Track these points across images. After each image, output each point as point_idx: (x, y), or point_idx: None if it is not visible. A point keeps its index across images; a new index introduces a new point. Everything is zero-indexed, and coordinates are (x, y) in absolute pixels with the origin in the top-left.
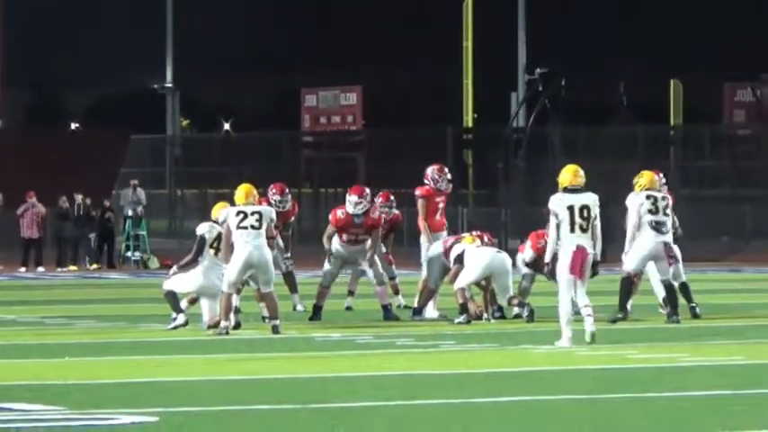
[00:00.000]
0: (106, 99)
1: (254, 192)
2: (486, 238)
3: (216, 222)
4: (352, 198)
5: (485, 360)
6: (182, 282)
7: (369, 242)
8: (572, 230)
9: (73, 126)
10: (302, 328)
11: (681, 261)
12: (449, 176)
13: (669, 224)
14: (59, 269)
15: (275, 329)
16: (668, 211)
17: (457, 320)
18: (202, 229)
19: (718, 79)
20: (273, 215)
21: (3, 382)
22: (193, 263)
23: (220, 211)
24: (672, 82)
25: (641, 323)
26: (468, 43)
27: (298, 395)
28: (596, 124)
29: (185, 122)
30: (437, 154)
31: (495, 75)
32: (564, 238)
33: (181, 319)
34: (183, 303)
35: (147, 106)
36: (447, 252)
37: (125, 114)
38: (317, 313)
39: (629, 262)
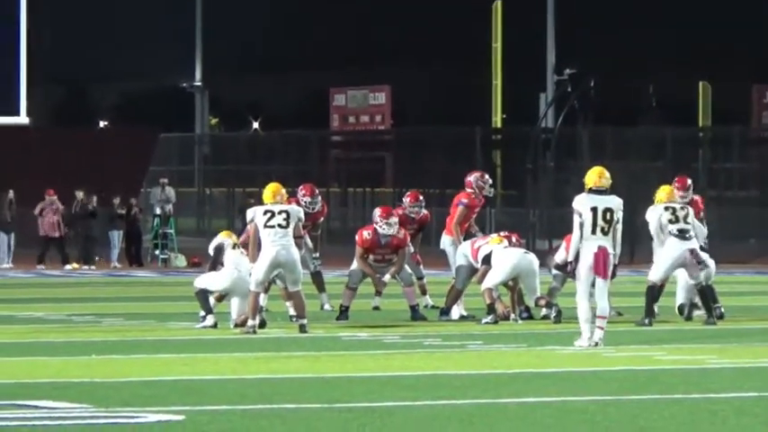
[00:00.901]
0: (135, 97)
1: (282, 191)
2: (513, 239)
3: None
4: (384, 221)
5: (511, 360)
6: (213, 280)
7: (396, 259)
8: (593, 232)
9: (101, 124)
10: (329, 328)
11: (712, 266)
12: (490, 181)
13: (692, 231)
14: (67, 267)
15: (302, 328)
16: (689, 219)
17: (484, 321)
18: (218, 240)
19: (746, 81)
20: (301, 214)
21: (29, 380)
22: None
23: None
24: (700, 84)
25: (668, 324)
26: (497, 44)
27: (324, 394)
28: (625, 125)
29: (214, 121)
30: (465, 154)
31: (525, 75)
32: (585, 239)
33: (210, 320)
34: (211, 301)
35: (176, 105)
36: (475, 253)
37: (154, 112)
38: (343, 313)
39: (655, 272)
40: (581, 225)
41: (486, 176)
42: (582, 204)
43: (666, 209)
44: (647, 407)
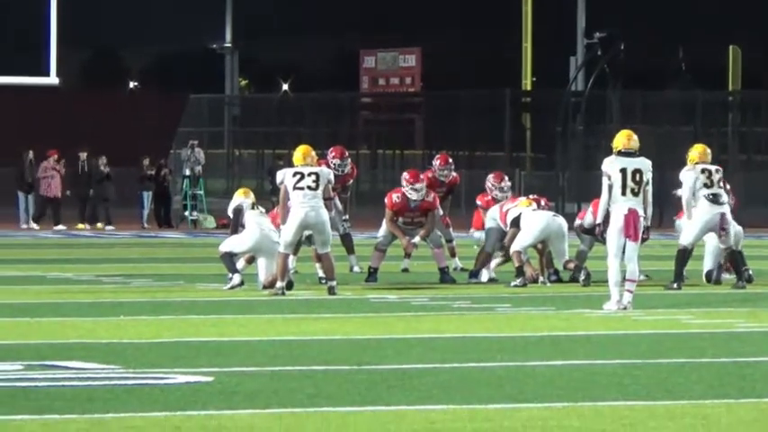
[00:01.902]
0: (166, 59)
1: (312, 153)
2: (542, 202)
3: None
4: (412, 186)
5: (540, 323)
6: (236, 242)
7: (426, 221)
8: (623, 193)
9: (132, 85)
10: (358, 290)
11: (740, 230)
12: (508, 183)
13: (725, 195)
14: (80, 226)
15: (331, 290)
16: (722, 183)
17: (513, 283)
18: (235, 202)
19: None
20: (331, 176)
21: (58, 341)
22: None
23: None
24: (730, 47)
25: (696, 288)
26: (527, 7)
27: (352, 356)
28: (655, 89)
29: (244, 83)
30: (495, 117)
31: (555, 39)
32: (615, 201)
33: (236, 279)
34: (241, 263)
35: (207, 66)
36: (504, 216)
37: (184, 74)
38: (372, 275)
39: (687, 236)
40: (610, 187)
41: (504, 178)
42: (611, 166)
43: (703, 171)
44: (675, 370)
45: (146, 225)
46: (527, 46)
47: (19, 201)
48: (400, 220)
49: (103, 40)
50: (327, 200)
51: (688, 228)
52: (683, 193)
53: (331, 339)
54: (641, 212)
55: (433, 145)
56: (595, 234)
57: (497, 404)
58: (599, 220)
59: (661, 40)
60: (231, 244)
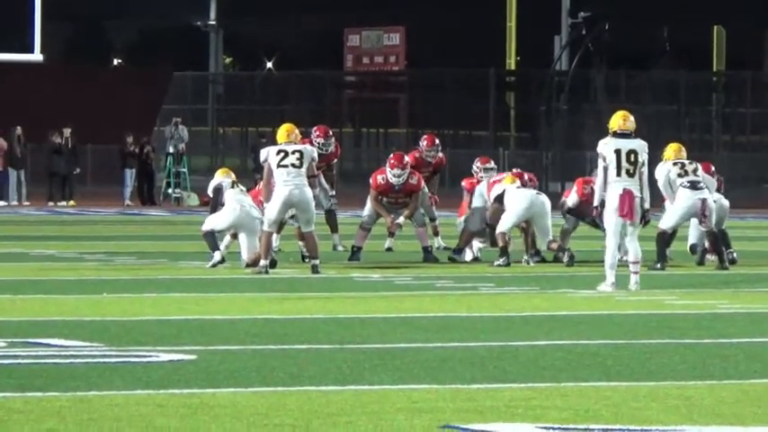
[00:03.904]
0: (150, 35)
1: (296, 131)
2: (526, 177)
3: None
4: (394, 171)
5: (524, 303)
6: (218, 219)
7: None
8: (618, 174)
9: (116, 62)
10: (341, 269)
11: (724, 208)
12: (494, 166)
13: (703, 183)
14: (50, 204)
15: (315, 269)
16: (699, 173)
17: (496, 263)
18: (215, 181)
19: (761, 26)
20: (315, 154)
21: (40, 318)
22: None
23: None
24: (715, 28)
25: (680, 269)
26: None
27: (335, 335)
28: (639, 69)
29: (228, 60)
30: (479, 96)
31: (539, 18)
32: (611, 182)
33: (217, 256)
34: (227, 239)
35: (191, 44)
36: (489, 190)
37: (168, 51)
38: (355, 254)
39: (666, 221)
40: (605, 169)
41: (490, 162)
42: (605, 147)
43: (675, 164)
44: (658, 351)
45: (129, 203)
46: (511, 25)
47: (9, 178)
48: (384, 199)
49: (88, 17)
50: (311, 177)
51: (669, 212)
52: (661, 188)
53: (314, 318)
54: (637, 193)
55: (417, 124)
56: (584, 218)
57: (480, 384)
58: (595, 203)
59: (646, 20)
60: (212, 222)
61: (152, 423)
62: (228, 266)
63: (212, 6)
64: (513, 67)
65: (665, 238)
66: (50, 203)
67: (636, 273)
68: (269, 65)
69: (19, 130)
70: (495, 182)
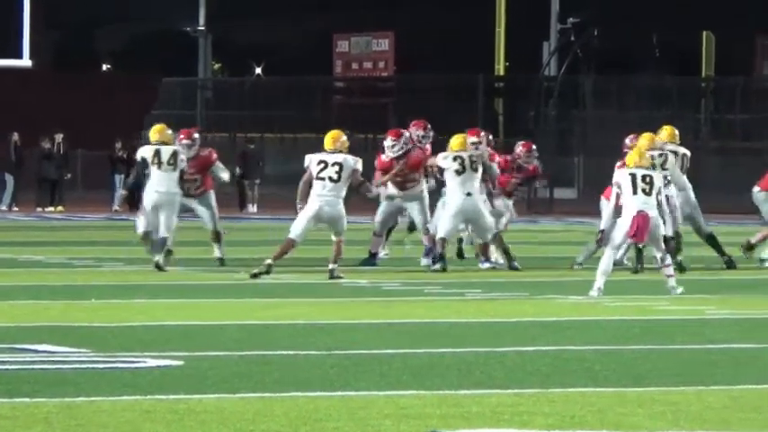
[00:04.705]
0: (139, 41)
1: (343, 138)
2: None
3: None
4: (386, 141)
5: (511, 309)
6: (142, 215)
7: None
8: (634, 192)
9: (104, 68)
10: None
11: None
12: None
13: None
14: (39, 209)
15: (331, 274)
16: (667, 167)
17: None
18: (141, 152)
19: (750, 32)
20: (358, 165)
21: (29, 324)
22: (136, 182)
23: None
24: (704, 33)
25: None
26: None
27: (323, 341)
28: (628, 74)
29: (217, 66)
30: (468, 101)
31: (529, 23)
32: (626, 203)
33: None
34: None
35: (180, 49)
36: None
37: (157, 57)
38: (370, 259)
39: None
40: (618, 196)
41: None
42: (620, 175)
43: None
44: (645, 356)
45: (117, 208)
46: (500, 30)
47: (6, 183)
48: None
49: (77, 22)
50: (360, 185)
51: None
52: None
53: (302, 324)
54: (653, 214)
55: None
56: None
57: (467, 390)
58: (603, 227)
59: (635, 25)
60: (140, 220)
61: (139, 429)
62: (216, 272)
63: (201, 12)
64: (501, 73)
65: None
66: (38, 209)
67: (670, 276)
68: (258, 70)
69: (16, 135)
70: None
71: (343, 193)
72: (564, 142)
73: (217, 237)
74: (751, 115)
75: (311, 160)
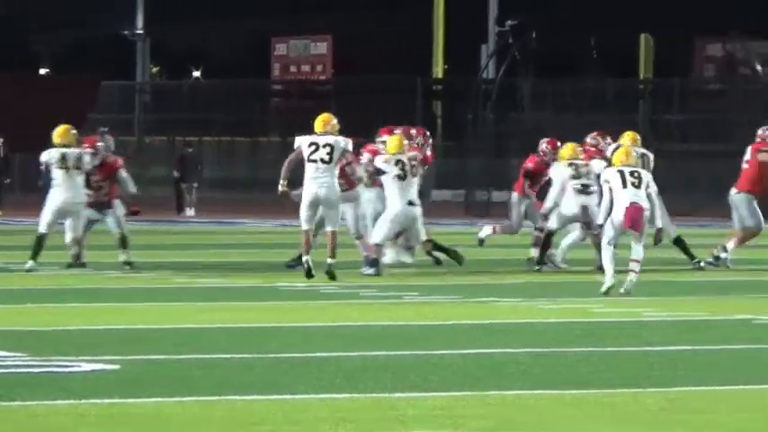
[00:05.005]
0: (77, 45)
1: (333, 121)
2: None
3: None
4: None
5: (447, 312)
6: (44, 214)
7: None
8: (624, 186)
9: (42, 71)
10: (266, 277)
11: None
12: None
13: (595, 187)
14: None
15: (329, 269)
16: (592, 175)
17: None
18: (46, 156)
19: (688, 33)
20: (349, 146)
21: None
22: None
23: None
24: (642, 36)
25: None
26: None
27: (259, 344)
28: (566, 77)
29: (155, 69)
30: (407, 104)
31: (467, 26)
32: (617, 196)
33: (31, 264)
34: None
35: (118, 53)
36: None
37: (96, 60)
38: (374, 265)
39: (552, 221)
40: (610, 189)
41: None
42: (608, 172)
43: (570, 165)
44: (583, 359)
45: None
46: (438, 33)
47: None
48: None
49: (15, 25)
50: (347, 165)
51: (556, 213)
52: (553, 187)
53: (238, 327)
54: (645, 205)
55: (345, 132)
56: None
57: (402, 393)
58: (600, 221)
59: (573, 28)
60: (42, 222)
61: None
62: (151, 276)
63: (139, 15)
64: (440, 76)
65: (549, 240)
66: None
67: (634, 272)
68: (196, 74)
69: None
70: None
71: (336, 173)
72: (502, 145)
73: (123, 242)
74: (689, 116)
75: (302, 142)
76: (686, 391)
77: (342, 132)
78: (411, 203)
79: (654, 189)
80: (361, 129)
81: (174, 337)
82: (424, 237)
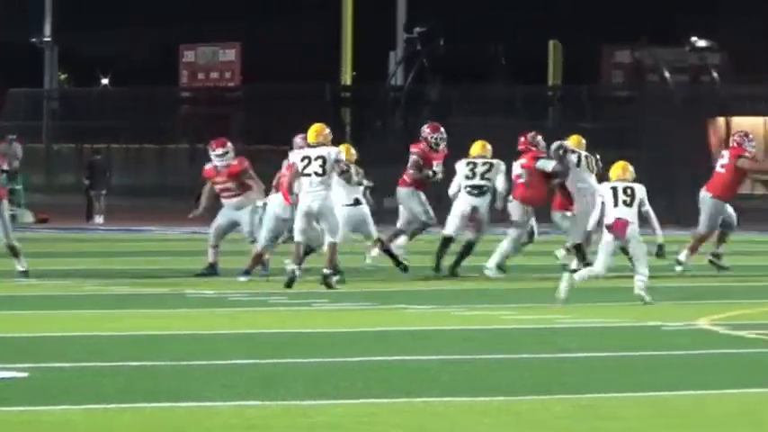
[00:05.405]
0: None
1: (326, 131)
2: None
3: None
4: (218, 150)
5: (358, 319)
6: None
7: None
8: (615, 204)
9: None
10: (175, 285)
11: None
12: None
13: (487, 188)
14: None
15: (324, 279)
16: (488, 175)
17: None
18: None
19: (597, 40)
20: (341, 156)
21: None
22: None
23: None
24: (551, 42)
25: (517, 283)
26: (347, 0)
27: (167, 352)
28: (475, 83)
29: (63, 77)
30: (316, 112)
31: (376, 33)
32: (607, 214)
33: None
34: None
35: (26, 60)
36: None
37: (2, 67)
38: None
39: (448, 225)
40: (602, 204)
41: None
42: (603, 189)
43: (468, 164)
44: (493, 365)
45: None
46: (347, 40)
47: None
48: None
49: None
50: (343, 174)
51: (450, 216)
52: (453, 184)
53: (145, 335)
54: (632, 220)
55: (254, 139)
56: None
57: (313, 400)
58: (589, 228)
59: (482, 35)
60: None
61: None
62: (60, 284)
63: (47, 23)
64: (348, 83)
65: (447, 245)
66: None
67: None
68: (104, 81)
69: None
70: None
71: (332, 185)
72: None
73: (13, 250)
74: (598, 123)
75: (295, 157)
76: (596, 397)
77: (251, 138)
78: (357, 202)
79: (648, 208)
80: (270, 136)
81: (82, 344)
82: (375, 235)
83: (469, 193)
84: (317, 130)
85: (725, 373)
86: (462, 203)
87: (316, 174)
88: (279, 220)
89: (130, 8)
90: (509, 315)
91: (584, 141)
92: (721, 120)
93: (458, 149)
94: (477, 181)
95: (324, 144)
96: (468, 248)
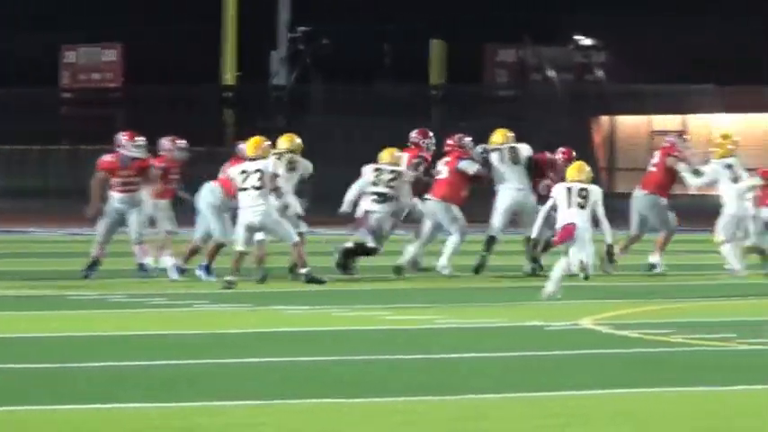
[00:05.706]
0: None
1: (264, 144)
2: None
3: None
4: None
5: (238, 320)
6: None
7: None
8: (569, 206)
9: None
10: (57, 286)
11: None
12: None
13: (390, 197)
14: None
15: (306, 277)
16: (392, 184)
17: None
18: None
19: (480, 39)
20: (278, 170)
21: None
22: None
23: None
24: (434, 42)
25: (395, 284)
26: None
27: (44, 354)
28: (359, 83)
29: None
30: (199, 112)
31: (259, 32)
32: (560, 215)
33: None
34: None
35: None
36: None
37: None
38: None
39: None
40: (554, 205)
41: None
42: (557, 189)
43: (375, 170)
44: (376, 366)
45: None
46: (229, 40)
47: None
48: (118, 180)
49: None
50: (275, 190)
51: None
52: (353, 187)
53: (24, 337)
54: (582, 224)
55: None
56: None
57: (195, 402)
58: (534, 235)
59: (366, 34)
60: None
61: None
62: None
63: None
64: (231, 83)
65: (362, 250)
66: None
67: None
68: None
69: None
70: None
71: (271, 198)
72: None
73: None
74: (482, 122)
75: (234, 172)
76: (475, 398)
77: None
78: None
79: (601, 210)
80: (153, 136)
81: None
82: (295, 238)
83: (374, 200)
84: (255, 144)
85: (607, 372)
86: (363, 206)
87: (254, 187)
88: (215, 207)
89: (11, 8)
90: (389, 316)
91: (510, 135)
92: (605, 118)
93: (340, 149)
94: (380, 188)
95: (262, 157)
96: (361, 248)
